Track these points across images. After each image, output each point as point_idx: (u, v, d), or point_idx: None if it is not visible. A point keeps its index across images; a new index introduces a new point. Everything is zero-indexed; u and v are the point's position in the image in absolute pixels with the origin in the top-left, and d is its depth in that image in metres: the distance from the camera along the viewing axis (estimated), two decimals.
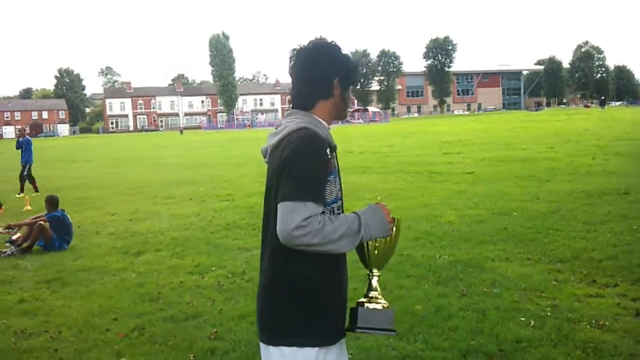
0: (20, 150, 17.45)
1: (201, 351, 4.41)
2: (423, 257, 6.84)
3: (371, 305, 2.17)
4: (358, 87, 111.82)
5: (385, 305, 2.18)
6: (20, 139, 17.74)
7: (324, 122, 2.25)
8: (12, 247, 8.35)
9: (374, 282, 2.21)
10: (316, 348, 2.11)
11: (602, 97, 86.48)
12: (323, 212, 2.07)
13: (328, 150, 2.14)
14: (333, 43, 2.29)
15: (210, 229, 9.49)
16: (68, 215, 8.94)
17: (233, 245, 8.13)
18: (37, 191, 16.36)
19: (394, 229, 2.17)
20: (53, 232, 8.58)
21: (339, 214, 2.16)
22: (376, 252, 2.18)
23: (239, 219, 10.23)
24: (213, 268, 6.92)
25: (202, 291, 6.01)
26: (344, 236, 2.03)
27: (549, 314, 4.82)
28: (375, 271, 2.22)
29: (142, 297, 5.91)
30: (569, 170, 14.84)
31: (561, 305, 5.03)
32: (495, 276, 6.00)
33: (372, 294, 2.20)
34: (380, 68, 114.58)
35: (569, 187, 11.93)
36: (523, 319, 4.74)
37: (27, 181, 16.87)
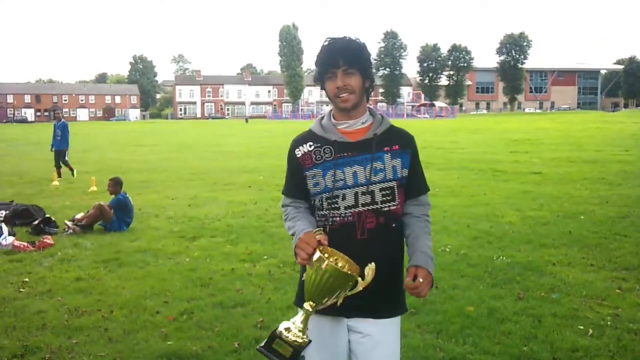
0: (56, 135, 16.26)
1: (246, 340, 4.38)
2: (480, 257, 6.63)
3: (284, 337, 2.08)
4: (426, 81, 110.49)
5: (300, 342, 2.07)
6: (57, 123, 16.59)
7: (331, 116, 2.41)
8: (71, 224, 8.60)
9: (299, 315, 2.13)
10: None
11: None
12: (303, 202, 2.43)
13: (309, 146, 2.36)
14: (327, 39, 2.36)
15: (266, 218, 9.51)
16: (130, 198, 9.14)
17: (287, 236, 7.97)
18: (63, 175, 16.02)
19: (318, 265, 2.04)
20: (114, 214, 8.80)
21: (330, 203, 2.31)
22: (310, 283, 2.08)
23: None
24: (265, 257, 6.92)
25: (253, 279, 6.00)
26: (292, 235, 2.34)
27: (609, 323, 4.55)
28: (307, 305, 2.10)
29: (193, 281, 5.96)
30: None
31: (623, 315, 4.75)
32: (555, 281, 5.73)
33: (292, 326, 2.10)
34: (450, 63, 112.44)
35: None
36: (581, 327, 4.49)
37: (62, 166, 16.23)
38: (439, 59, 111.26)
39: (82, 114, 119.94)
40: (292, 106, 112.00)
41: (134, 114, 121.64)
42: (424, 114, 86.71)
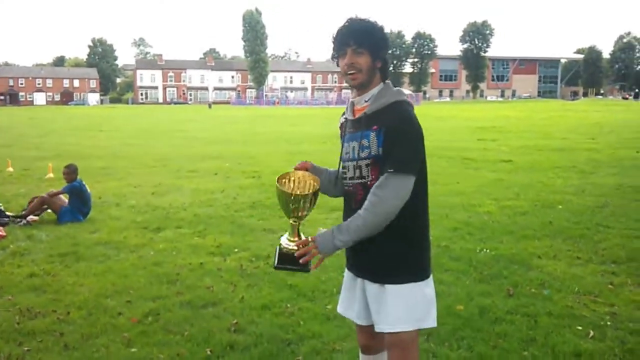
0: None
1: (219, 345, 3.96)
2: (462, 249, 6.31)
3: (288, 247, 2.50)
4: (390, 68, 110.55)
5: (293, 248, 2.48)
6: None
7: (351, 95, 2.63)
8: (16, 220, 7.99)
9: (293, 229, 2.54)
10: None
11: (638, 90, 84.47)
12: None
13: (343, 118, 2.70)
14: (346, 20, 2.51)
15: (235, 207, 9.06)
16: (86, 185, 8.57)
17: (258, 226, 7.69)
18: None
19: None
20: (69, 203, 8.23)
21: (342, 173, 2.63)
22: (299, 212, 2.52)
23: (265, 198, 9.79)
24: (236, 250, 6.49)
25: (223, 275, 5.57)
26: None
27: (608, 323, 4.27)
28: (293, 220, 2.53)
29: (159, 278, 5.50)
30: (612, 163, 14.12)
31: (621, 314, 4.48)
32: (543, 276, 5.45)
33: (290, 238, 2.53)
34: (414, 50, 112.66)
35: (615, 180, 11.26)
36: (580, 327, 4.20)
37: None
38: (403, 46, 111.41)
39: (39, 98, 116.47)
40: (256, 92, 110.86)
41: (93, 98, 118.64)
42: None
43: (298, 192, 2.46)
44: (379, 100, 2.46)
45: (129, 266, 5.89)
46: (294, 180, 2.53)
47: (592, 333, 4.07)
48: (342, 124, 2.68)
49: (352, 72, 2.43)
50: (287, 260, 2.48)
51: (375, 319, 2.54)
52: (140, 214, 8.58)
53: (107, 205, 9.36)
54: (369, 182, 2.45)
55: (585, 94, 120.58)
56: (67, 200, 8.33)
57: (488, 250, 6.28)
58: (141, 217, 8.33)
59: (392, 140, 2.39)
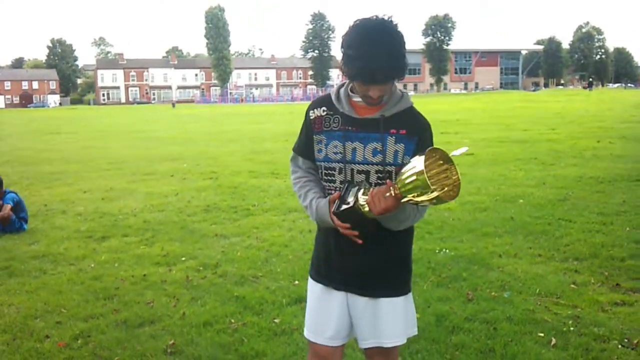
0: None
1: None
2: (421, 250, 6.04)
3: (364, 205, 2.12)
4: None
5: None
6: None
7: (349, 86, 2.32)
8: None
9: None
10: (309, 277, 2.49)
11: (590, 80, 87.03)
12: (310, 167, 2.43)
13: (322, 110, 2.34)
14: (358, 20, 2.19)
15: (188, 211, 8.67)
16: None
17: (210, 232, 7.32)
18: None
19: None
20: (14, 214, 7.73)
21: (327, 174, 2.33)
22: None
23: (220, 201, 9.42)
24: (183, 258, 6.11)
25: (167, 287, 5.20)
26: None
27: (571, 328, 4.04)
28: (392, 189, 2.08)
29: (96, 293, 5.09)
30: (573, 154, 14.10)
31: (584, 317, 4.25)
32: (504, 276, 5.22)
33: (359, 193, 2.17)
34: None
35: (576, 172, 11.17)
36: (541, 334, 3.96)
37: None
38: None
39: None
40: (220, 90, 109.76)
41: (54, 100, 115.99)
42: None
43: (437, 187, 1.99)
44: (398, 104, 2.28)
45: (65, 281, 5.47)
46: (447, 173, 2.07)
47: (554, 341, 3.83)
48: (319, 117, 2.35)
49: (374, 102, 2.22)
50: (352, 215, 2.15)
51: (366, 334, 2.35)
52: (86, 222, 8.12)
53: (52, 213, 8.87)
54: None
55: (546, 85, 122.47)
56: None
57: (447, 251, 6.04)
58: (86, 226, 7.88)
59: (424, 149, 2.18)
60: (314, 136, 2.35)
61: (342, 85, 2.37)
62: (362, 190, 2.15)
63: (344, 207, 2.16)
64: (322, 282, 2.39)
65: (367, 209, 2.10)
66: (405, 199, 2.00)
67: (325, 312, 2.38)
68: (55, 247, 6.72)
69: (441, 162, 2.05)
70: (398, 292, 2.35)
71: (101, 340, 4.10)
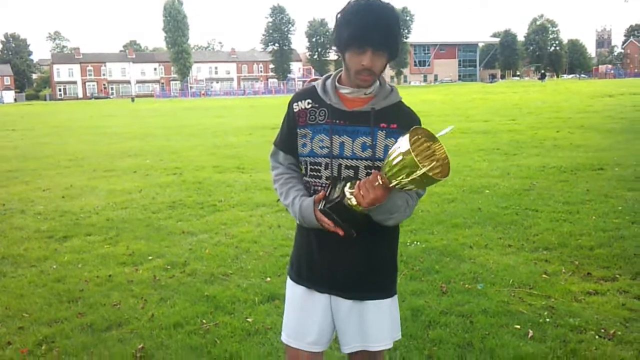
0: None
1: None
2: None
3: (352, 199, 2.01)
4: (315, 56, 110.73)
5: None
6: None
7: (336, 77, 2.23)
8: None
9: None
10: (288, 278, 2.36)
11: (543, 72, 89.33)
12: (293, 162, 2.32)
13: (306, 103, 2.22)
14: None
15: (153, 208, 8.46)
16: None
17: (176, 229, 7.15)
18: None
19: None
20: None
21: (313, 169, 2.20)
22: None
23: (185, 197, 9.22)
24: (150, 257, 5.94)
25: (134, 288, 5.03)
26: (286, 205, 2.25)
27: (547, 320, 4.04)
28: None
29: (59, 296, 4.90)
30: (534, 144, 14.29)
31: (558, 307, 4.26)
32: (476, 268, 5.21)
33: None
34: None
35: (538, 161, 11.32)
36: (518, 326, 3.94)
37: None
38: (327, 34, 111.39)
39: None
40: (180, 84, 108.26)
41: (8, 96, 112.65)
42: None
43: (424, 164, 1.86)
44: (388, 97, 2.20)
45: (27, 284, 5.25)
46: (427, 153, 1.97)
47: (531, 333, 3.82)
48: (303, 110, 2.23)
49: (366, 74, 2.08)
50: (340, 211, 2.03)
51: (350, 338, 2.24)
52: (47, 222, 7.85)
53: (10, 213, 8.55)
54: None
55: (502, 77, 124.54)
56: None
57: (418, 243, 6.01)
58: (47, 225, 7.61)
59: None
60: (298, 130, 2.23)
61: (328, 76, 2.26)
62: (348, 185, 2.05)
63: (330, 204, 2.05)
64: (303, 284, 2.27)
65: (354, 202, 2.00)
66: (394, 183, 1.90)
67: (306, 316, 2.25)
68: (15, 248, 6.47)
69: (426, 140, 1.97)
70: (385, 294, 2.24)
71: (66, 345, 3.93)
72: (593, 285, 4.72)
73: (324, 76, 2.29)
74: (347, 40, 2.04)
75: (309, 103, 2.24)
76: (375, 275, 2.22)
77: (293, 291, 2.31)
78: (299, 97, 2.28)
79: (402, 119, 2.18)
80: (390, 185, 1.92)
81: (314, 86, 2.27)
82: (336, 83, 2.22)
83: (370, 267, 2.20)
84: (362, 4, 2.02)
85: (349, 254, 2.16)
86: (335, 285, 2.20)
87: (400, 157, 1.85)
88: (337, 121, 2.16)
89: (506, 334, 3.82)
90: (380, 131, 2.14)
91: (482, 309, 4.25)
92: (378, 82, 2.21)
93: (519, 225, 6.60)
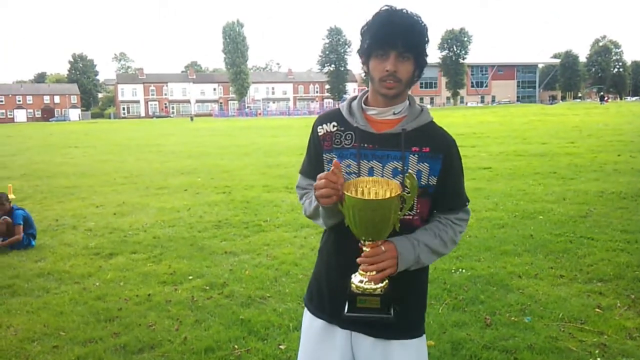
0: None
1: None
2: (436, 270, 5.79)
3: (362, 291, 1.87)
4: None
5: (382, 286, 1.87)
6: None
7: (363, 98, 2.10)
8: None
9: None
10: (306, 310, 2.20)
11: (602, 93, 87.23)
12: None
13: (332, 126, 2.10)
14: (385, 6, 1.98)
15: (199, 227, 8.50)
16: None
17: (219, 249, 7.13)
18: None
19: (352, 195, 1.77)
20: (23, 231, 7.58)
21: None
22: (353, 222, 1.81)
23: (232, 216, 9.24)
24: (190, 277, 5.93)
25: (171, 309, 5.00)
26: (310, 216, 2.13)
27: (598, 358, 3.77)
28: (364, 241, 1.86)
29: (97, 314, 4.91)
30: (593, 168, 13.73)
31: (611, 345, 3.99)
32: (525, 299, 4.96)
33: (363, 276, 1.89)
34: None
35: (596, 186, 10.84)
36: None
37: None
38: None
39: (20, 115, 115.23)
40: (238, 104, 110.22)
41: (75, 113, 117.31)
42: None
43: (381, 197, 1.82)
44: (419, 117, 2.05)
45: (68, 301, 5.30)
46: (363, 188, 1.89)
47: None
48: (329, 133, 2.09)
49: (391, 80, 1.94)
50: (363, 305, 1.89)
51: None
52: (96, 238, 7.98)
53: (62, 228, 8.75)
54: (411, 217, 1.98)
55: (563, 98, 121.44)
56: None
57: (464, 271, 5.78)
58: (95, 242, 7.73)
59: (453, 169, 2.05)
60: (324, 154, 2.08)
61: (354, 98, 2.13)
62: (354, 277, 1.92)
63: (351, 313, 1.92)
64: (322, 317, 2.11)
65: (370, 285, 1.88)
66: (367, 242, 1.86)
67: (324, 353, 2.09)
68: (62, 265, 6.58)
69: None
70: (413, 334, 2.05)
71: None
72: None
73: (350, 97, 2.16)
74: (369, 47, 1.95)
75: (334, 126, 2.10)
76: (403, 311, 2.01)
77: (311, 324, 2.15)
78: (323, 119, 2.14)
79: (435, 141, 2.03)
80: (367, 243, 1.86)
81: (339, 108, 2.14)
82: (362, 104, 2.09)
83: (398, 302, 1.99)
84: (384, 13, 1.94)
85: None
86: (358, 323, 2.01)
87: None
88: (365, 145, 2.01)
89: None
90: (412, 155, 1.98)
91: (528, 344, 4.01)
92: (407, 102, 2.07)
93: (572, 254, 6.28)
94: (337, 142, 2.07)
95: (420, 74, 2.04)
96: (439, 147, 2.00)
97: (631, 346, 3.96)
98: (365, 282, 1.87)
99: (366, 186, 1.85)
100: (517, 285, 5.35)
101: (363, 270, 1.88)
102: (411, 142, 2.00)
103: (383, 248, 1.87)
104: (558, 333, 4.21)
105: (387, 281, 1.88)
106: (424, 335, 2.10)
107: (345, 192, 1.78)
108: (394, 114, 2.03)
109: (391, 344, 2.02)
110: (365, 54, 1.99)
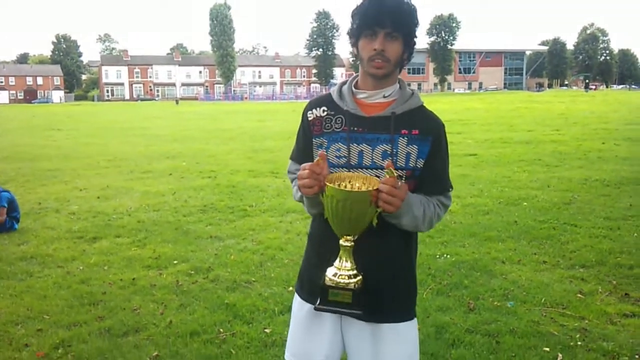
0: None
1: None
2: (421, 255, 5.82)
3: (335, 284, 1.87)
4: (358, 62, 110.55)
5: (355, 280, 1.86)
6: None
7: (353, 82, 2.10)
8: None
9: (342, 252, 1.88)
10: (296, 295, 2.21)
11: (587, 82, 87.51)
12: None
13: (322, 111, 2.09)
14: None
15: (184, 212, 8.46)
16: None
17: (204, 233, 7.11)
18: None
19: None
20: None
21: None
22: (331, 214, 1.82)
23: (217, 200, 9.21)
24: (175, 261, 5.91)
25: (156, 293, 4.99)
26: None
27: (579, 343, 3.82)
28: (343, 241, 1.86)
29: (81, 298, 4.88)
30: (578, 155, 13.86)
31: (592, 329, 4.04)
32: (508, 284, 5.00)
33: (340, 266, 1.88)
34: None
35: (580, 174, 10.94)
36: (547, 349, 3.74)
37: None
38: None
39: (2, 96, 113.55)
40: (224, 87, 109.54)
41: (58, 95, 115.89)
42: None
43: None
44: (409, 101, 2.04)
45: (51, 285, 5.27)
46: (347, 184, 1.89)
47: (560, 356, 3.62)
48: (319, 118, 2.09)
49: (380, 59, 1.94)
50: (340, 303, 1.88)
51: None
52: (79, 222, 7.92)
53: (45, 212, 8.67)
54: None
55: (550, 86, 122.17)
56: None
57: (448, 256, 5.82)
58: (79, 225, 7.68)
59: (440, 152, 2.04)
60: (314, 139, 2.08)
61: (345, 82, 2.12)
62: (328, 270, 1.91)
63: (322, 305, 1.92)
64: (312, 302, 2.07)
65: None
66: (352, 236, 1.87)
67: (313, 337, 2.08)
68: (45, 248, 6.53)
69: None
70: (403, 317, 2.03)
71: (82, 350, 3.89)
72: (630, 306, 4.47)
73: (340, 82, 2.16)
74: (359, 27, 1.96)
75: (324, 110, 2.10)
76: (394, 294, 2.02)
77: (300, 308, 2.15)
78: (313, 104, 2.15)
79: (424, 124, 2.02)
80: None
81: (329, 93, 2.14)
82: (353, 88, 2.08)
83: (389, 284, 2.01)
84: None
85: (366, 268, 1.94)
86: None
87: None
88: (355, 128, 2.01)
89: (534, 357, 3.62)
90: (401, 138, 1.97)
91: (510, 328, 4.05)
92: (398, 86, 2.06)
93: (555, 241, 6.34)
94: (328, 126, 2.07)
95: (410, 56, 2.05)
96: (428, 130, 2.00)
97: (612, 330, 4.02)
98: (339, 275, 1.86)
99: (349, 182, 1.86)
100: (501, 270, 5.40)
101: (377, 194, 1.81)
102: (400, 125, 1.99)
103: (399, 183, 1.83)
104: (540, 318, 4.26)
105: (360, 277, 1.86)
106: (415, 319, 2.08)
107: (327, 183, 1.79)
108: (384, 97, 2.03)
109: (381, 328, 2.01)
110: (355, 35, 2.00)
